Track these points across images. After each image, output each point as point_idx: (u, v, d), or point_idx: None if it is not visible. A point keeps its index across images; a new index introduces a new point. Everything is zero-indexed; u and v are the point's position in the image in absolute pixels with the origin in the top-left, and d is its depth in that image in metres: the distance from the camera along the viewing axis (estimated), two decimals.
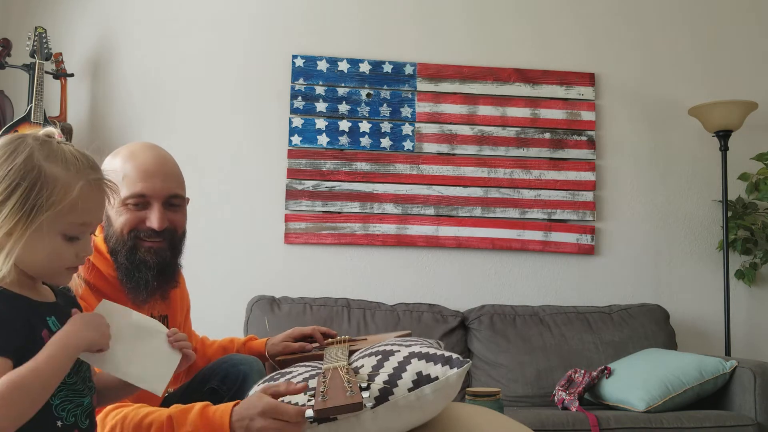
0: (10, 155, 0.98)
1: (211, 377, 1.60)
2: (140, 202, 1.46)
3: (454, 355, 1.25)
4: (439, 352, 1.25)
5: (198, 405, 1.24)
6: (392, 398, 1.18)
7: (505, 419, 1.48)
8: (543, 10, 3.50)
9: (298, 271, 3.26)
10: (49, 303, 1.04)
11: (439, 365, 1.22)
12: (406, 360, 1.24)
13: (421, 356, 1.24)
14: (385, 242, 3.30)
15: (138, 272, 1.46)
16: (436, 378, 1.20)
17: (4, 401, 0.91)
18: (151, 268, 1.47)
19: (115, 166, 1.45)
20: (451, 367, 1.21)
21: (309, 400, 1.19)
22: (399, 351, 1.29)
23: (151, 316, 1.50)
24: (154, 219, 1.46)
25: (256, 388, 1.37)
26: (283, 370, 1.43)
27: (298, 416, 1.16)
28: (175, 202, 1.51)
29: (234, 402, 1.24)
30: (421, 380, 1.20)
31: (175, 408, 1.25)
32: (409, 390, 1.19)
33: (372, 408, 1.18)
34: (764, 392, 2.56)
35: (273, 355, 1.80)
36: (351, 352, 1.49)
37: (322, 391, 1.17)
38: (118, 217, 1.45)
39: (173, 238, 1.51)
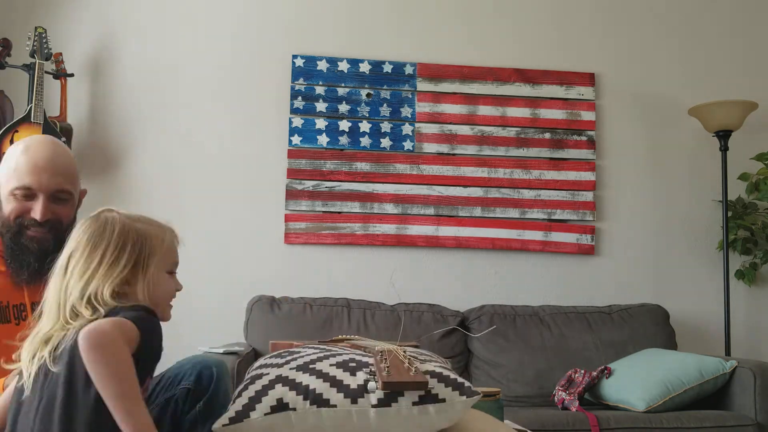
0: (104, 229, 1.28)
1: (183, 378, 1.61)
2: (27, 194, 1.57)
3: (467, 383, 1.25)
4: (452, 376, 1.25)
5: None
6: (395, 405, 1.18)
7: (505, 428, 1.47)
8: (543, 10, 3.50)
9: (298, 271, 3.26)
10: None
11: (450, 389, 1.22)
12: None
13: (433, 375, 1.24)
14: (385, 242, 3.30)
15: (21, 254, 1.58)
16: (443, 400, 1.20)
17: None
18: (32, 253, 1.59)
19: (10, 156, 1.58)
20: (460, 394, 1.22)
21: (368, 375, 1.19)
22: (417, 357, 1.30)
23: (32, 304, 1.62)
24: (37, 211, 1.58)
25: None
26: (291, 349, 1.42)
27: None
28: (61, 196, 1.62)
29: None
30: (427, 398, 1.20)
31: None
32: (414, 404, 1.19)
33: (374, 407, 1.18)
34: (764, 392, 2.56)
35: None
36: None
37: (386, 367, 1.17)
38: (6, 204, 1.58)
39: (57, 230, 1.61)
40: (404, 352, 1.28)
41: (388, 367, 1.18)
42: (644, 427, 2.45)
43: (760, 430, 2.53)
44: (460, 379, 1.25)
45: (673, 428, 2.46)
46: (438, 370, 1.26)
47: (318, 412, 1.18)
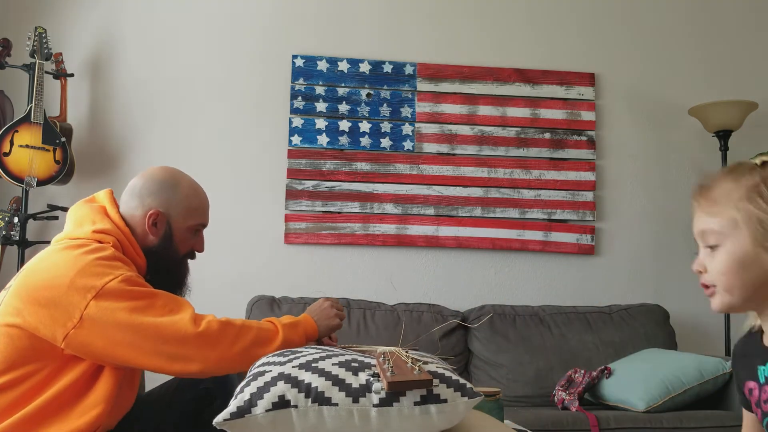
0: None
1: (203, 379, 1.63)
2: (201, 229, 1.77)
3: (468, 384, 1.24)
4: (454, 377, 1.25)
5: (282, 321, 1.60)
6: (397, 405, 1.18)
7: (505, 428, 1.47)
8: (543, 10, 3.50)
9: (298, 271, 3.26)
10: None
11: (452, 389, 1.22)
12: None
13: (436, 375, 1.24)
14: (385, 242, 3.30)
15: (177, 284, 1.71)
16: (445, 400, 1.20)
17: None
18: (184, 282, 1.75)
19: (187, 194, 1.71)
20: (462, 395, 1.22)
21: (371, 376, 1.20)
22: (420, 360, 1.30)
23: None
24: (201, 245, 1.79)
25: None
26: (294, 349, 1.43)
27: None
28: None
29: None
30: (429, 398, 1.20)
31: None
32: (415, 404, 1.18)
33: (375, 406, 1.18)
34: None
35: None
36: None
37: (390, 368, 1.18)
38: (183, 240, 1.70)
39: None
40: (407, 352, 1.28)
41: (392, 367, 1.18)
42: (644, 427, 2.45)
43: None
44: (462, 381, 1.25)
45: (673, 428, 2.46)
46: (440, 371, 1.26)
47: (319, 411, 1.18)
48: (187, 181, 1.74)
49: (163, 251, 1.65)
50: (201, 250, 1.78)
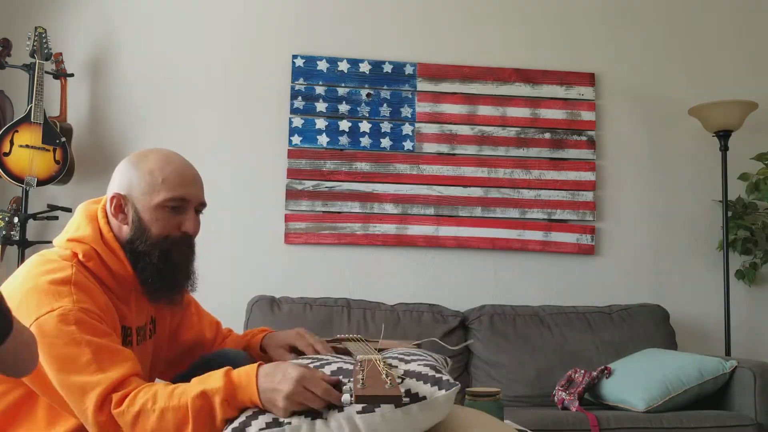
0: None
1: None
2: (179, 206, 1.46)
3: (445, 377, 1.27)
4: (431, 373, 1.27)
5: (221, 369, 1.27)
6: (378, 411, 1.21)
7: (502, 425, 1.48)
8: (543, 10, 3.50)
9: (298, 271, 3.26)
10: None
11: (428, 385, 1.24)
12: (401, 378, 1.28)
13: (413, 374, 1.27)
14: (385, 242, 3.30)
15: (171, 275, 1.47)
16: (424, 398, 1.23)
17: None
18: (182, 271, 1.50)
19: (150, 168, 1.45)
20: (439, 389, 1.24)
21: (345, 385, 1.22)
22: (396, 367, 1.32)
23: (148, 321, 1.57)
24: (190, 225, 1.48)
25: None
26: (311, 356, 1.43)
27: (327, 393, 1.20)
28: (201, 209, 1.55)
29: (258, 363, 1.28)
30: (410, 398, 1.22)
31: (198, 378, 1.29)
32: (396, 406, 1.21)
33: (359, 413, 1.20)
34: (764, 392, 2.56)
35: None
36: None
37: (362, 379, 1.18)
38: (154, 220, 1.45)
39: (192, 244, 1.53)
40: (383, 362, 1.29)
41: (363, 379, 1.19)
42: (644, 427, 2.45)
43: (760, 430, 2.53)
44: (437, 375, 1.27)
45: (673, 428, 2.46)
46: (417, 369, 1.28)
47: (312, 425, 1.21)
48: (157, 154, 1.48)
49: (138, 240, 1.44)
50: (191, 230, 1.48)
